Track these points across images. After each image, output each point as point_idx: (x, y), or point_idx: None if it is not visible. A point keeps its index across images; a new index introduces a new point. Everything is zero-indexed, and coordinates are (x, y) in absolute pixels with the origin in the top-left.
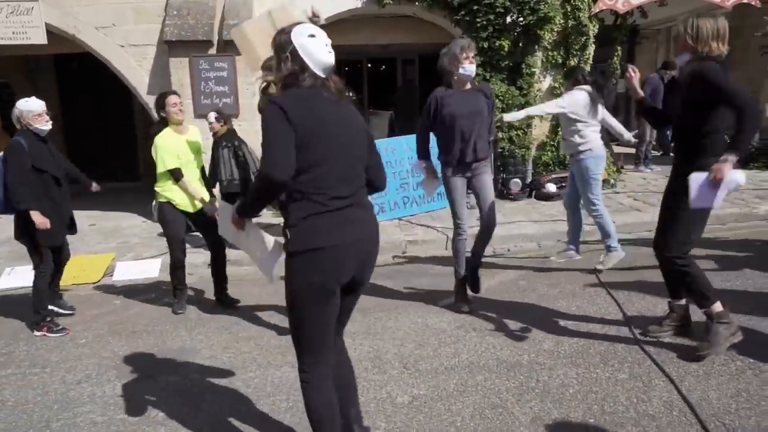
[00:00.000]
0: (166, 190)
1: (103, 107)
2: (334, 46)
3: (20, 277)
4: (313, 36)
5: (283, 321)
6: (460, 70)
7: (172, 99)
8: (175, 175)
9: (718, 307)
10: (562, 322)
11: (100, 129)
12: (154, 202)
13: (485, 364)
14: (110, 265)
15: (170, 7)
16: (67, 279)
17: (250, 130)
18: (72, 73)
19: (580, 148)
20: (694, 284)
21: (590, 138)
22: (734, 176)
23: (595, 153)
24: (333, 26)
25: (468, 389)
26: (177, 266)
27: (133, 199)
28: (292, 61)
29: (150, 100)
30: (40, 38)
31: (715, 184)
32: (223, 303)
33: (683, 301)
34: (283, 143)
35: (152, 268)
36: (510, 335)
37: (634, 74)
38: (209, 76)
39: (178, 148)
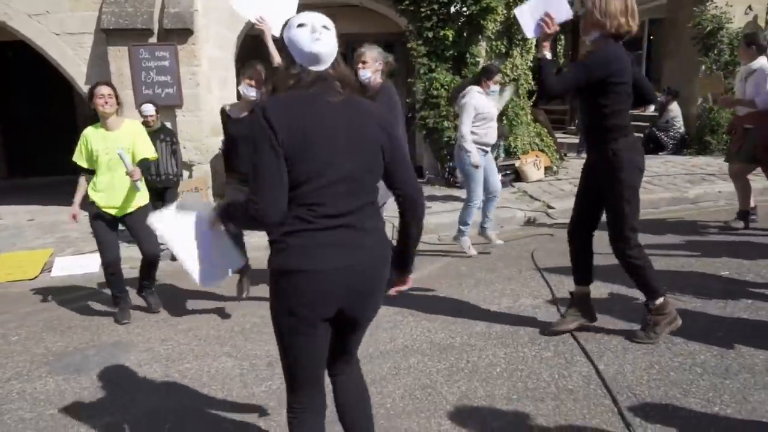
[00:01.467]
0: (90, 190)
1: (43, 98)
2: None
3: None
4: (302, 25)
5: (221, 313)
6: None
7: (99, 90)
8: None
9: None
10: (495, 305)
11: (39, 120)
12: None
13: (419, 347)
14: (48, 260)
15: None
16: (1, 276)
17: (193, 119)
18: (7, 62)
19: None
20: (646, 277)
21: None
22: None
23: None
24: None
25: (400, 372)
26: (109, 271)
27: (73, 193)
28: (286, 58)
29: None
30: None
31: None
32: (147, 304)
33: (589, 287)
34: (272, 181)
35: (92, 263)
36: (445, 319)
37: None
38: (150, 66)
39: (99, 146)
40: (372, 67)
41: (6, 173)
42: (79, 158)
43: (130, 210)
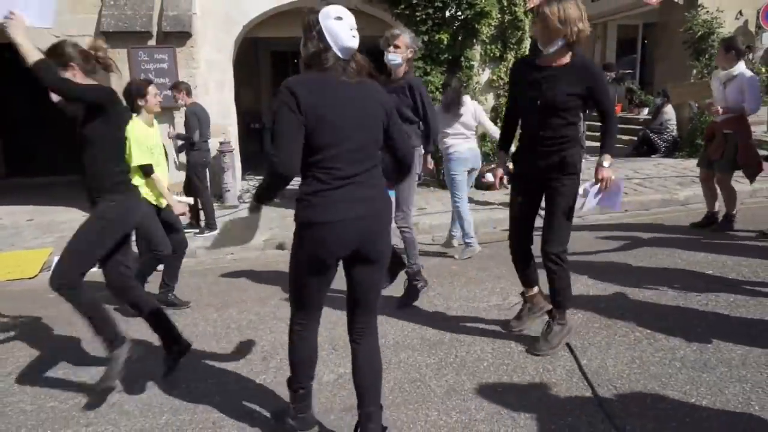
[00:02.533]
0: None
1: (41, 98)
2: (280, 39)
3: None
4: (339, 18)
5: (219, 310)
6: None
7: (152, 90)
8: (146, 170)
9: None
10: (485, 303)
11: (38, 121)
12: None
13: (410, 343)
14: (48, 259)
15: None
16: (0, 275)
17: None
18: (6, 63)
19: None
20: (565, 285)
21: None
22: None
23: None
24: (273, 19)
25: (391, 366)
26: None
27: (74, 193)
28: (318, 40)
29: None
30: None
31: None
32: (172, 304)
33: (536, 289)
34: (290, 138)
35: None
36: (436, 317)
37: None
38: (149, 68)
39: (150, 142)
40: (404, 53)
41: (5, 173)
42: (147, 157)
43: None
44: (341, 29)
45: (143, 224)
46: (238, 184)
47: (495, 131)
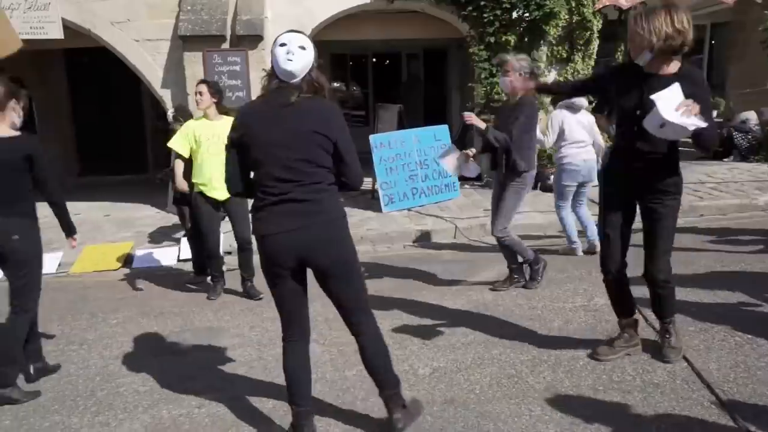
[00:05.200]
0: (195, 178)
1: (113, 101)
2: (339, 42)
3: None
4: (282, 45)
5: None
6: None
7: (196, 88)
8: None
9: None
10: (570, 303)
11: (109, 123)
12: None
13: (499, 340)
14: (129, 252)
15: (184, 2)
16: (88, 266)
17: None
18: (82, 67)
19: None
20: (673, 300)
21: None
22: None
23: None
24: (339, 22)
25: (485, 362)
26: (210, 255)
27: (143, 191)
28: (270, 68)
29: (165, 94)
30: (57, 33)
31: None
32: (248, 294)
33: (635, 317)
34: (228, 160)
35: (169, 256)
36: (521, 315)
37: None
38: (222, 70)
39: (202, 134)
40: (512, 76)
41: (79, 172)
42: (178, 145)
43: (226, 195)
44: (279, 54)
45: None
46: None
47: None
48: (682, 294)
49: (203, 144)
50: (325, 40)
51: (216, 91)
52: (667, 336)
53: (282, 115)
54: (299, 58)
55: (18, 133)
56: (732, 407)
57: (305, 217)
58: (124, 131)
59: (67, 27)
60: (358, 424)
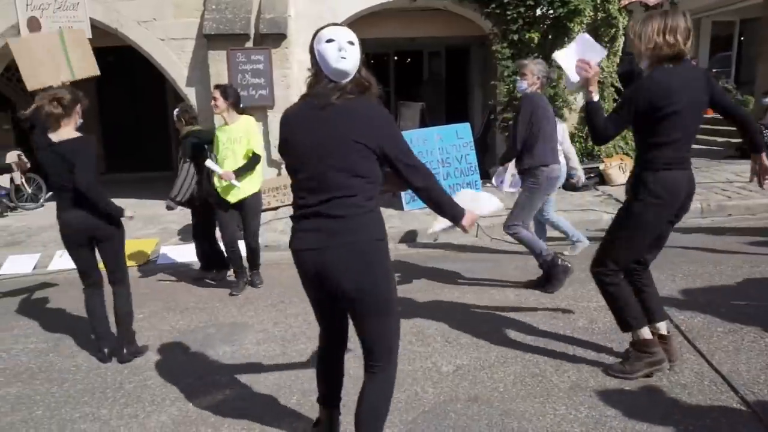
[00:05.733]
0: (215, 179)
1: (138, 100)
2: (361, 40)
3: (70, 259)
4: (330, 41)
5: None
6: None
7: (215, 92)
8: None
9: (645, 333)
10: (594, 303)
11: (134, 121)
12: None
13: (523, 338)
14: (155, 249)
15: (209, 1)
16: None
17: None
18: (108, 66)
19: None
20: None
21: None
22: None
23: None
24: (361, 20)
25: (508, 360)
26: (229, 248)
27: (167, 188)
28: (314, 65)
29: (189, 92)
30: (85, 33)
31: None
32: (251, 283)
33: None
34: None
35: (194, 252)
36: (545, 314)
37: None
38: (246, 69)
39: (221, 139)
40: (530, 80)
41: (104, 169)
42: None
43: (242, 197)
44: (328, 52)
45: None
46: None
47: (574, 159)
48: (710, 294)
49: (221, 149)
50: None
51: (229, 94)
52: (626, 352)
53: (319, 117)
54: (351, 55)
55: (80, 134)
56: (762, 409)
57: (331, 236)
58: (149, 129)
59: (95, 26)
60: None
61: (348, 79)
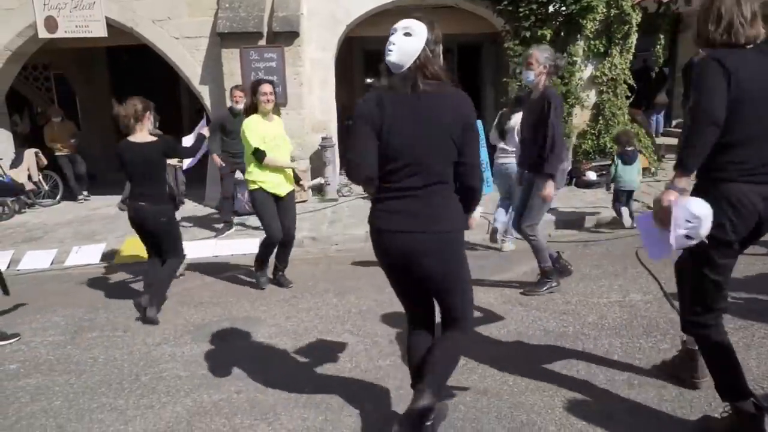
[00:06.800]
0: (256, 177)
1: (152, 97)
2: (373, 38)
3: (86, 255)
4: (391, 34)
5: (338, 296)
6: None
7: (264, 88)
8: (258, 155)
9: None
10: (605, 299)
11: None
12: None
13: (533, 334)
14: None
15: (223, 0)
16: (130, 257)
17: (296, 117)
18: (123, 64)
19: None
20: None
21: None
22: (689, 206)
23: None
24: (373, 18)
25: (518, 354)
26: (267, 245)
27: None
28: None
29: (202, 90)
30: (101, 31)
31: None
32: (279, 283)
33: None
34: (363, 145)
35: (206, 248)
36: (555, 310)
37: None
38: (258, 67)
39: (264, 132)
40: (536, 69)
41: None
42: (259, 142)
43: (286, 192)
44: (387, 45)
45: (257, 210)
46: (337, 178)
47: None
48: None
49: (268, 143)
50: (358, 36)
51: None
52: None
53: (412, 104)
54: (398, 48)
55: (154, 138)
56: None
57: (426, 222)
58: (163, 126)
59: (111, 25)
60: (392, 412)
61: (404, 69)
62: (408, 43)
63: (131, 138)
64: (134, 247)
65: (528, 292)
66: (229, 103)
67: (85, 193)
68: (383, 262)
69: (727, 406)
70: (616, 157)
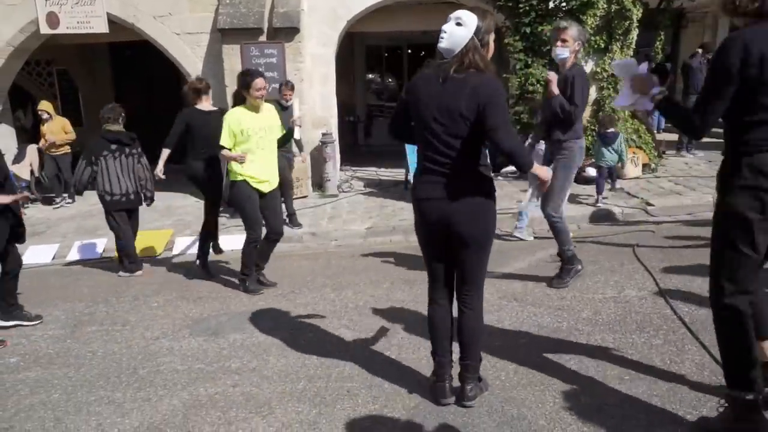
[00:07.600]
0: (242, 168)
1: (153, 93)
2: (374, 33)
3: (88, 249)
4: (446, 23)
5: (335, 291)
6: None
7: (259, 83)
8: (221, 152)
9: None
10: (600, 294)
11: (149, 114)
12: (225, 181)
13: (527, 329)
14: (170, 240)
15: None
16: None
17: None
18: (125, 60)
19: None
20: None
21: None
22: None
23: None
24: (374, 14)
25: (511, 349)
26: (252, 243)
27: (182, 180)
28: None
29: None
30: (102, 27)
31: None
32: (261, 284)
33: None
34: (395, 112)
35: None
36: (550, 305)
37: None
38: (259, 63)
39: (248, 126)
40: (572, 46)
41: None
42: (228, 141)
43: (269, 189)
44: (440, 33)
45: (238, 203)
46: (338, 174)
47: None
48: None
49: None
50: (359, 32)
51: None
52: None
53: (439, 88)
54: (450, 34)
55: (216, 108)
56: (765, 401)
57: (451, 189)
58: (164, 122)
59: (112, 21)
60: (389, 405)
61: (454, 56)
62: (458, 31)
63: (198, 105)
64: (138, 244)
65: (556, 285)
66: (230, 101)
67: (65, 195)
68: (419, 229)
69: (723, 401)
70: (596, 136)
